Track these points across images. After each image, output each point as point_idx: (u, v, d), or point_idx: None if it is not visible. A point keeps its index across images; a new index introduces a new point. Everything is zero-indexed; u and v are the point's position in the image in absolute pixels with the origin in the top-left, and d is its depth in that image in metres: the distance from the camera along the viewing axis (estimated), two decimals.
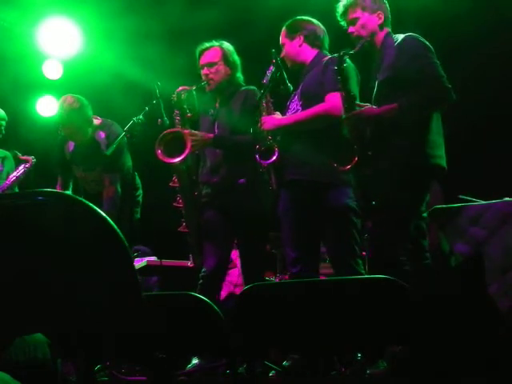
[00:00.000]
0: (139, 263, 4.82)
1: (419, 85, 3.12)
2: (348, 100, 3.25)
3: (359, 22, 3.35)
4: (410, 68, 3.16)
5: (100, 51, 5.93)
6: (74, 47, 6.13)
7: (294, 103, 3.69)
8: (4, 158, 4.92)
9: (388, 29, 3.39)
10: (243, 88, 4.00)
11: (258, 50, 4.41)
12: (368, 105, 3.30)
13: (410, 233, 3.21)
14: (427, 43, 3.23)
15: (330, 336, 2.20)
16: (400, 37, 3.30)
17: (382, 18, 3.37)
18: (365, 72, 3.50)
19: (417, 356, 2.58)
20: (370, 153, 3.16)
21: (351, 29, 3.38)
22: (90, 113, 4.35)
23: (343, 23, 3.43)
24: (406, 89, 3.14)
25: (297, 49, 3.70)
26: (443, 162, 3.23)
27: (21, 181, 4.83)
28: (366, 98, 3.39)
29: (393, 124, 3.14)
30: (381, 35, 3.36)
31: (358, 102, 3.31)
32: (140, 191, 4.56)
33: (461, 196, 4.11)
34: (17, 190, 4.82)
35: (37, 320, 1.49)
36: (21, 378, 1.63)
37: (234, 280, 5.27)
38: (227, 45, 4.01)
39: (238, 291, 5.00)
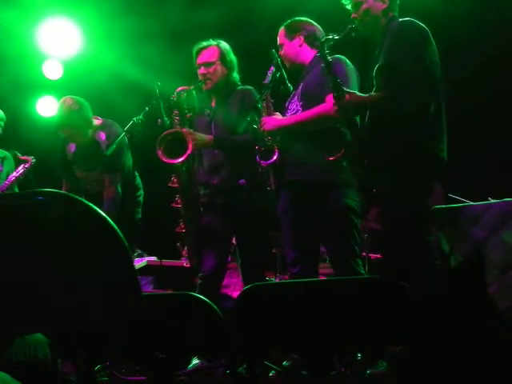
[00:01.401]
0: (139, 263, 4.82)
1: (415, 74, 3.04)
2: (336, 88, 3.16)
3: (363, 7, 3.26)
4: (405, 55, 3.08)
5: (100, 51, 5.94)
6: (73, 47, 6.14)
7: (294, 104, 3.68)
8: (4, 159, 4.92)
9: (393, 13, 3.30)
10: (240, 88, 3.99)
11: (257, 50, 4.41)
12: (356, 92, 3.25)
13: (426, 225, 3.12)
14: (424, 27, 3.15)
15: (330, 336, 2.21)
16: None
17: (387, 2, 3.27)
18: (369, 59, 3.42)
19: (417, 356, 2.58)
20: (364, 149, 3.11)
21: (354, 14, 3.30)
22: (90, 114, 4.34)
23: (349, 7, 3.33)
24: (401, 77, 3.06)
25: (296, 49, 3.70)
26: (442, 154, 3.13)
27: (20, 181, 4.83)
28: (369, 89, 3.33)
29: (386, 115, 3.08)
30: (385, 20, 3.27)
31: (344, 88, 3.19)
32: (141, 191, 4.55)
33: (449, 195, 4.11)
34: (17, 189, 4.82)
35: (37, 320, 1.49)
36: (21, 378, 1.63)
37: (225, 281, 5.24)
38: (224, 44, 4.00)
39: (228, 292, 4.97)
